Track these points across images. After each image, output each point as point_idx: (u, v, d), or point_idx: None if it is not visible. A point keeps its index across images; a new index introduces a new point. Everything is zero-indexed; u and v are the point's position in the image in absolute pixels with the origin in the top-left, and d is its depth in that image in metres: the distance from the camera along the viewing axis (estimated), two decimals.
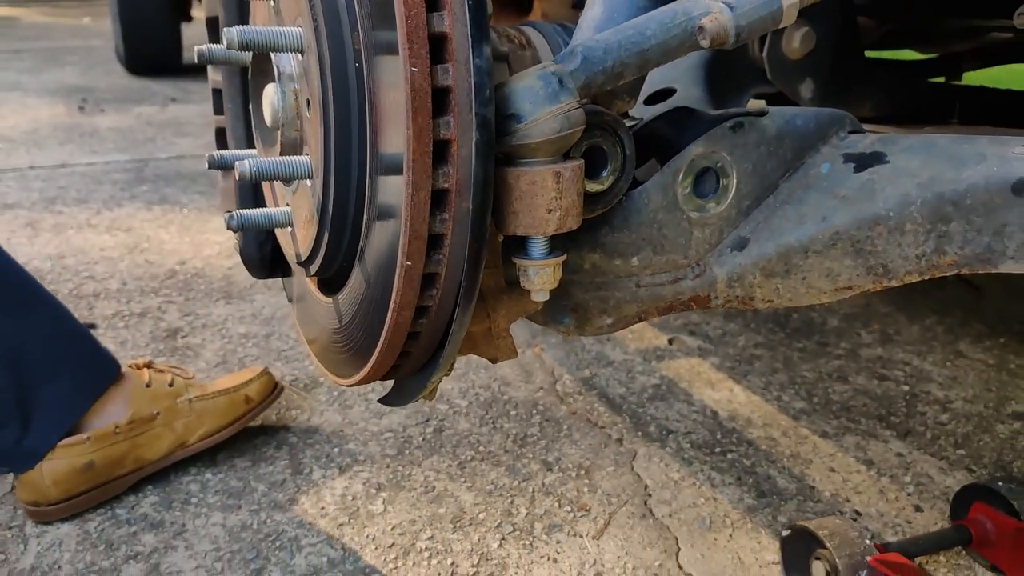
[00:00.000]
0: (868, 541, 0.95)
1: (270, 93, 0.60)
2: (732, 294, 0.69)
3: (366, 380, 0.62)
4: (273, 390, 1.23)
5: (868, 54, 1.51)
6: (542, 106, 0.49)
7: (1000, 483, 1.04)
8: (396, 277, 0.50)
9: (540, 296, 0.55)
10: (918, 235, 0.63)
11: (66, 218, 2.21)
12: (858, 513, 1.16)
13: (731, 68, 1.00)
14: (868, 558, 0.92)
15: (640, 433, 1.31)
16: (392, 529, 1.08)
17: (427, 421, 1.32)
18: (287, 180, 0.58)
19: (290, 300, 0.82)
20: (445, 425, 1.31)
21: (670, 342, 1.62)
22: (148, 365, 1.16)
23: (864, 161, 0.67)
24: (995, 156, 0.61)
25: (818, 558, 0.96)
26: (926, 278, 0.65)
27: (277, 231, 0.71)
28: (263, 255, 0.79)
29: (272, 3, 0.62)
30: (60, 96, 3.58)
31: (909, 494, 1.20)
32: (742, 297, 0.69)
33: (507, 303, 0.62)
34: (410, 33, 0.44)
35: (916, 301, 1.87)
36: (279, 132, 0.60)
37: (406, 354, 0.58)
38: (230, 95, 0.74)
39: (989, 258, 0.62)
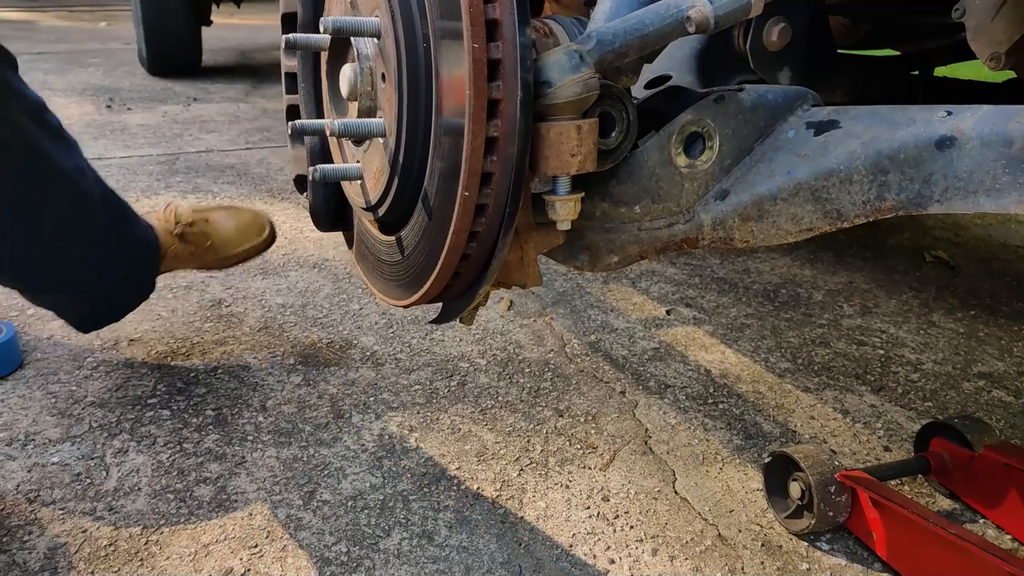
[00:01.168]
0: (837, 463, 1.10)
1: (348, 70, 0.76)
2: (716, 236, 0.85)
3: (424, 299, 0.78)
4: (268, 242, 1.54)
5: (851, 52, 1.68)
6: (567, 75, 0.65)
7: (956, 420, 1.20)
8: (456, 206, 0.66)
9: (564, 225, 0.71)
10: (863, 184, 0.79)
11: None
12: (834, 451, 1.31)
13: (719, 58, 1.16)
14: (836, 474, 1.08)
15: (641, 387, 1.47)
16: (424, 461, 1.23)
17: (451, 376, 1.48)
18: (363, 138, 0.74)
19: (350, 246, 0.98)
20: (467, 380, 1.47)
21: (668, 312, 1.78)
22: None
23: (822, 127, 0.83)
24: (923, 119, 0.77)
25: (794, 479, 1.12)
26: (871, 220, 0.81)
27: (345, 185, 0.87)
28: (329, 209, 0.95)
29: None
30: (87, 95, 3.75)
31: (879, 437, 1.36)
32: (724, 238, 0.85)
33: (536, 237, 0.78)
34: (473, 18, 0.60)
35: (895, 279, 2.03)
36: (356, 102, 0.76)
37: (457, 275, 0.74)
38: (304, 76, 0.90)
39: (920, 202, 0.78)
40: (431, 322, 0.86)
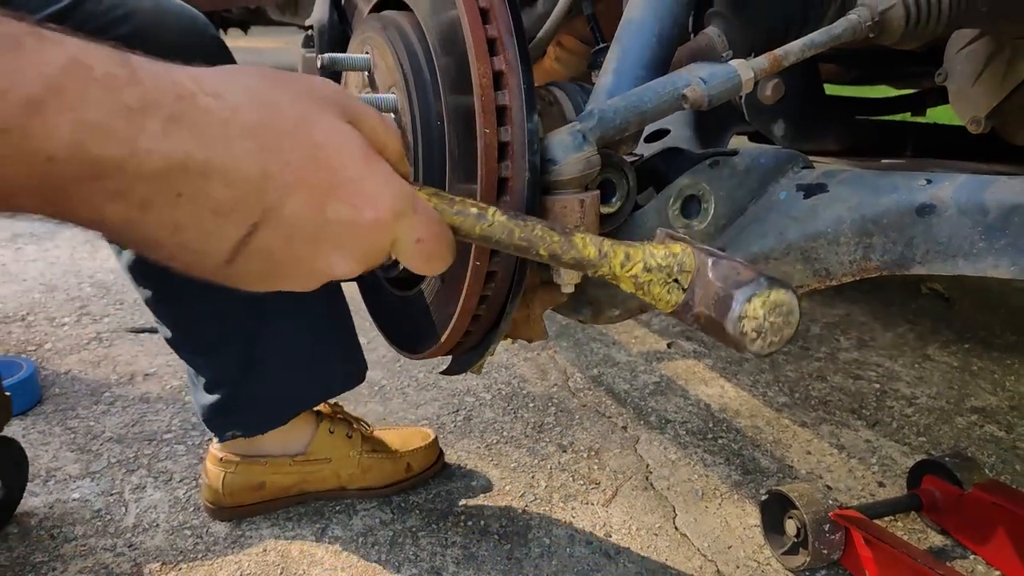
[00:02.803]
0: (831, 501, 1.14)
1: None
2: None
3: (435, 354, 0.83)
4: (435, 461, 1.32)
5: (845, 90, 1.73)
6: (570, 153, 0.70)
7: (947, 458, 1.24)
8: (468, 273, 0.70)
9: (568, 289, 0.76)
10: (850, 246, 0.84)
11: None
12: (829, 487, 1.35)
13: (716, 111, 1.21)
14: (830, 513, 1.12)
15: (642, 422, 1.51)
16: (433, 497, 1.28)
17: (457, 411, 1.52)
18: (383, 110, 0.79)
19: (364, 296, 1.03)
20: (473, 414, 1.51)
21: (669, 346, 1.82)
22: (335, 409, 1.28)
23: (811, 190, 0.88)
24: (905, 187, 0.82)
25: (790, 517, 1.16)
26: (858, 279, 0.86)
27: None
28: None
29: (365, 75, 0.83)
30: None
31: (874, 473, 1.40)
32: None
33: (542, 295, 0.83)
34: (485, 105, 0.65)
35: (892, 312, 2.07)
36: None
37: (468, 333, 0.79)
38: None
39: (903, 263, 0.83)
40: (441, 373, 0.91)
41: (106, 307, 1.93)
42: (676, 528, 1.23)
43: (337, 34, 0.92)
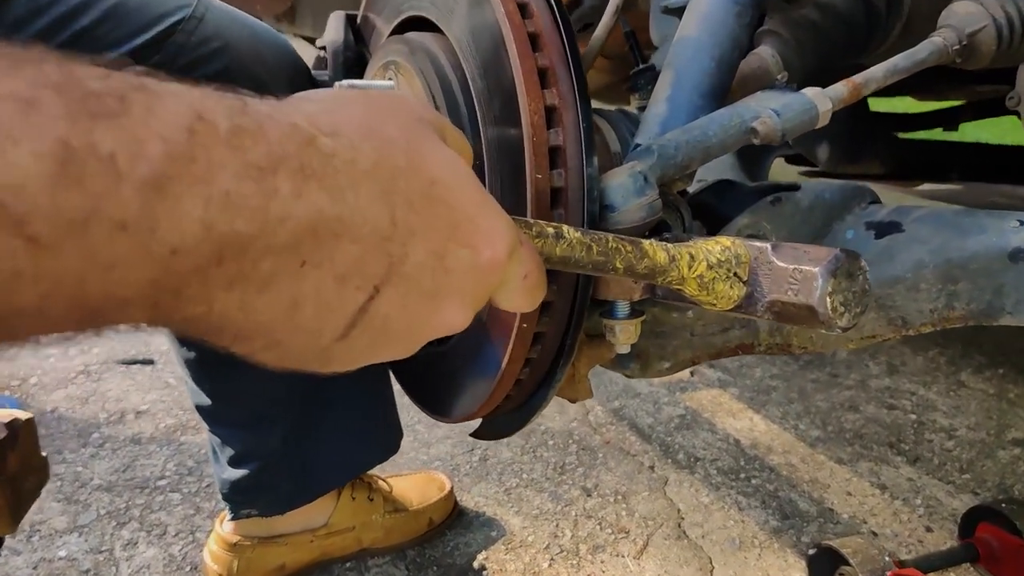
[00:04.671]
0: (887, 558, 1.05)
1: None
2: (772, 342, 0.80)
3: (469, 419, 0.73)
4: (452, 511, 1.23)
5: (871, 101, 1.65)
6: (631, 199, 0.61)
7: (1004, 504, 1.15)
8: (512, 336, 0.61)
9: (623, 349, 0.66)
10: (931, 293, 0.75)
11: None
12: (874, 533, 1.26)
13: None
14: (888, 573, 1.03)
15: (670, 460, 1.42)
16: (451, 551, 1.18)
17: (472, 451, 1.43)
18: None
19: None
20: (489, 454, 1.42)
21: (692, 374, 1.73)
22: None
23: (883, 229, 0.79)
24: (994, 228, 0.73)
25: (842, 574, 1.07)
26: (937, 328, 0.77)
27: None
28: None
29: None
30: None
31: (920, 516, 1.31)
32: (781, 344, 0.80)
33: (587, 352, 0.73)
34: (535, 147, 0.56)
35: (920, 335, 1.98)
36: None
37: (507, 398, 0.69)
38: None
39: (991, 313, 0.74)
40: (472, 435, 0.81)
41: (94, 337, 1.83)
42: None
43: (353, 56, 0.83)
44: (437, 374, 0.77)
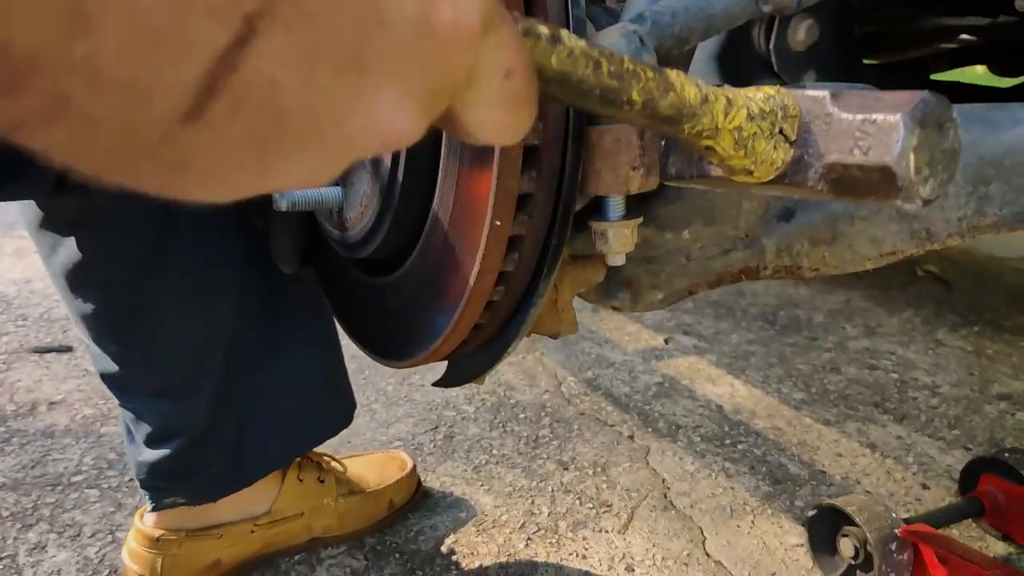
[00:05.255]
0: (894, 515, 0.96)
1: None
2: (780, 263, 0.70)
3: (430, 359, 0.61)
4: (415, 492, 1.10)
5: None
6: None
7: (1007, 454, 1.07)
8: (482, 238, 0.49)
9: (616, 260, 0.55)
10: (959, 197, 0.66)
11: (28, 242, 2.12)
12: (869, 493, 1.18)
13: (740, 60, 1.03)
14: (897, 530, 0.94)
15: (650, 429, 1.32)
16: (414, 536, 1.05)
17: (436, 428, 1.30)
18: None
19: (327, 292, 0.80)
20: (455, 431, 1.29)
21: (666, 342, 1.63)
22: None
23: None
24: None
25: (845, 535, 0.97)
26: (964, 239, 0.67)
27: (323, 217, 0.70)
28: (296, 247, 0.77)
29: None
30: None
31: (914, 473, 1.23)
32: (790, 266, 0.70)
33: (572, 274, 0.62)
34: None
35: (892, 296, 1.93)
36: None
37: (477, 328, 0.57)
38: None
39: None
40: (436, 384, 0.69)
41: (5, 323, 1.65)
42: (708, 555, 1.04)
43: None
44: (388, 308, 0.64)
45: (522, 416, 1.34)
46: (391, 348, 0.66)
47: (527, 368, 1.50)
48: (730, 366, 1.54)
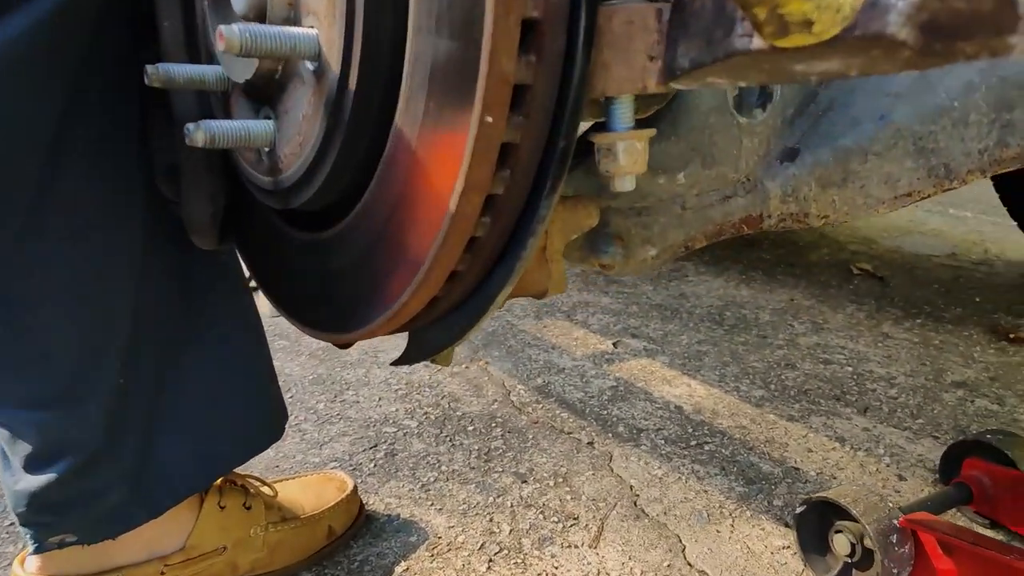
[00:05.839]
0: (891, 504, 0.89)
1: None
2: (786, 211, 0.61)
3: (388, 326, 0.49)
4: (357, 516, 0.96)
5: None
6: None
7: (989, 435, 1.02)
8: (468, 140, 0.38)
9: (626, 184, 0.45)
10: (981, 127, 0.59)
11: None
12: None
13: None
14: (897, 521, 0.86)
15: (610, 434, 1.21)
16: (359, 566, 0.91)
17: (375, 446, 1.16)
18: (288, 58, 0.45)
19: (247, 260, 0.66)
20: (397, 448, 1.15)
21: (615, 345, 1.54)
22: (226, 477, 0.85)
23: None
24: None
25: (839, 531, 0.89)
26: (985, 176, 0.61)
27: (245, 164, 0.56)
28: (215, 215, 0.63)
29: None
30: None
31: (888, 465, 1.17)
32: (796, 213, 0.62)
33: (562, 215, 0.51)
34: None
35: (832, 294, 1.91)
36: (265, 9, 0.47)
37: (454, 277, 0.45)
38: (167, 8, 0.60)
39: None
40: (394, 363, 0.56)
41: None
42: (689, 564, 0.93)
43: None
44: (334, 267, 0.52)
45: (471, 428, 1.21)
46: (338, 319, 0.53)
47: (471, 378, 1.38)
48: (684, 366, 1.46)
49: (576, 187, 0.56)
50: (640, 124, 0.51)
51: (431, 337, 0.52)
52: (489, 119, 0.37)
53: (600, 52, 0.41)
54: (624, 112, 0.43)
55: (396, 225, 0.45)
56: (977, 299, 1.89)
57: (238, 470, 0.88)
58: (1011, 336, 1.64)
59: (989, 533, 1.01)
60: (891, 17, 0.29)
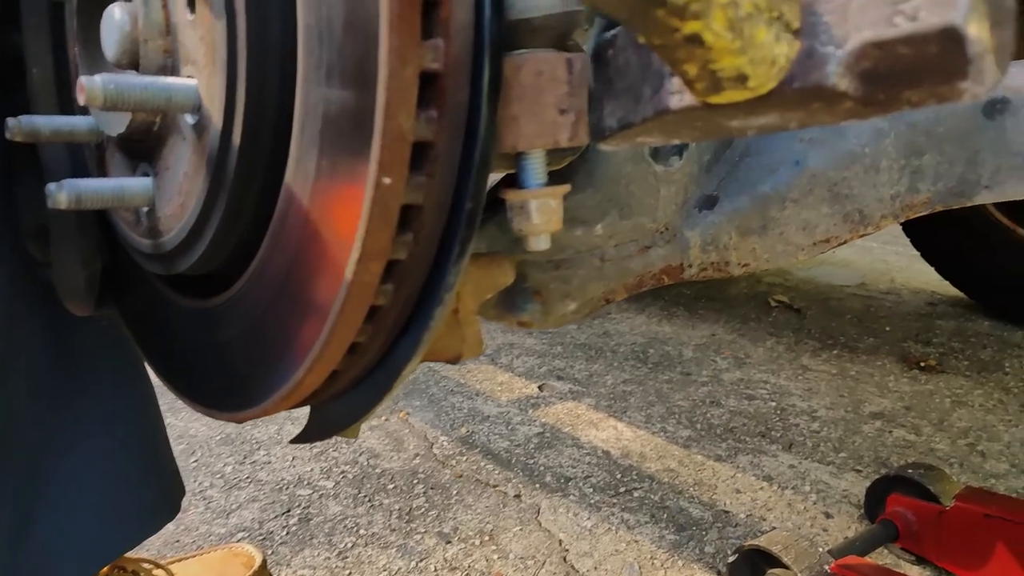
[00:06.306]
0: (820, 550, 0.88)
1: (117, 11, 0.43)
2: (707, 260, 0.60)
3: (286, 403, 0.44)
4: None
5: None
6: None
7: (910, 470, 1.03)
8: (364, 209, 0.34)
9: (540, 243, 0.41)
10: (892, 172, 0.59)
11: None
12: (775, 528, 1.09)
13: None
14: (828, 566, 0.85)
15: (537, 485, 1.17)
16: None
17: (288, 511, 1.08)
18: (163, 111, 0.40)
19: (131, 328, 0.60)
20: (312, 512, 1.08)
21: (541, 389, 1.51)
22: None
23: None
24: None
25: None
26: (898, 221, 0.61)
27: (122, 224, 0.51)
28: (91, 278, 0.57)
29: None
30: None
31: (814, 502, 1.17)
32: (717, 262, 0.60)
33: (475, 275, 0.47)
34: None
35: (752, 327, 1.94)
36: (139, 56, 0.42)
37: (354, 349, 0.41)
38: (37, 51, 0.54)
39: (963, 190, 0.59)
40: (293, 441, 0.51)
41: None
42: None
43: None
44: (223, 339, 0.46)
45: (391, 487, 1.15)
46: (231, 396, 0.48)
47: (392, 431, 1.32)
48: (610, 408, 1.44)
49: (490, 242, 0.52)
50: (554, 177, 0.48)
51: (334, 413, 0.48)
52: (387, 180, 0.34)
53: (508, 105, 0.38)
54: (536, 168, 0.40)
55: (290, 294, 0.41)
56: (888, 328, 1.95)
57: (131, 552, 0.80)
58: (921, 364, 1.70)
59: (916, 570, 1.02)
60: (830, 67, 0.28)
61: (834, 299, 2.20)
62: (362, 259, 0.35)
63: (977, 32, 0.25)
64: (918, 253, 2.12)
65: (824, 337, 1.88)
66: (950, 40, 0.25)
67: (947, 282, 2.05)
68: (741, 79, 0.28)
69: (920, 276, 2.41)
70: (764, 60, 0.27)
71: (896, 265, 2.57)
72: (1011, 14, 0.29)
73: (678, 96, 0.30)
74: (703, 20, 0.26)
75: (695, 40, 0.25)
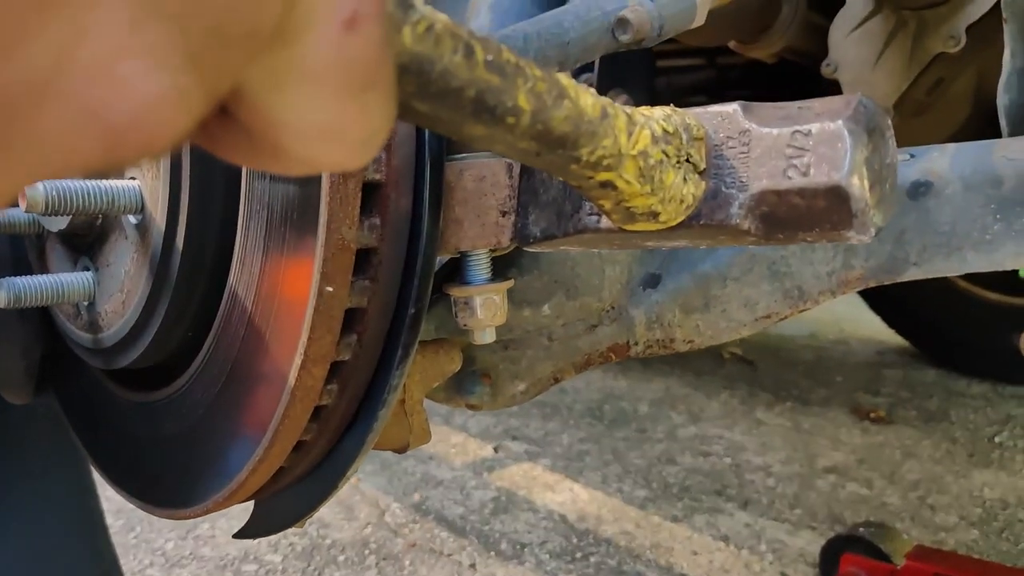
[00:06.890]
0: None
1: None
2: (652, 337, 0.61)
3: (229, 501, 0.43)
4: None
5: None
6: None
7: (862, 529, 1.05)
8: (306, 315, 0.34)
9: (485, 337, 0.42)
10: (827, 251, 0.61)
11: None
12: None
13: None
14: None
15: (492, 553, 1.16)
16: None
17: None
18: (106, 214, 0.40)
19: (68, 419, 0.58)
20: None
21: (496, 450, 1.50)
22: None
23: None
24: None
25: None
26: (837, 296, 0.63)
27: (62, 319, 0.50)
28: (28, 367, 0.56)
29: None
30: None
31: (771, 563, 1.17)
32: (663, 340, 0.61)
33: (422, 365, 0.47)
34: None
35: (706, 381, 1.96)
36: None
37: (300, 448, 0.41)
38: None
39: (894, 267, 0.61)
40: (236, 536, 0.50)
41: None
42: None
43: None
44: (164, 435, 0.46)
45: (342, 558, 1.12)
46: (172, 493, 0.47)
47: (342, 498, 1.29)
48: (566, 469, 1.44)
49: (439, 323, 0.53)
50: (498, 266, 0.49)
51: (279, 509, 0.47)
52: (329, 289, 0.34)
53: (451, 209, 0.38)
54: (479, 266, 0.41)
55: (234, 392, 0.40)
56: (838, 378, 1.99)
57: None
58: (871, 416, 1.73)
59: None
60: (733, 209, 0.30)
61: (785, 350, 2.24)
62: (305, 364, 0.35)
63: (860, 191, 0.28)
64: (866, 303, 2.18)
65: (777, 389, 1.91)
66: (836, 197, 0.28)
67: (893, 331, 2.11)
68: (653, 215, 0.30)
69: (868, 325, 2.47)
70: (673, 199, 0.30)
71: (845, 315, 2.63)
72: (892, 169, 0.31)
73: (596, 218, 0.32)
74: (615, 171, 0.27)
75: (608, 185, 0.27)
